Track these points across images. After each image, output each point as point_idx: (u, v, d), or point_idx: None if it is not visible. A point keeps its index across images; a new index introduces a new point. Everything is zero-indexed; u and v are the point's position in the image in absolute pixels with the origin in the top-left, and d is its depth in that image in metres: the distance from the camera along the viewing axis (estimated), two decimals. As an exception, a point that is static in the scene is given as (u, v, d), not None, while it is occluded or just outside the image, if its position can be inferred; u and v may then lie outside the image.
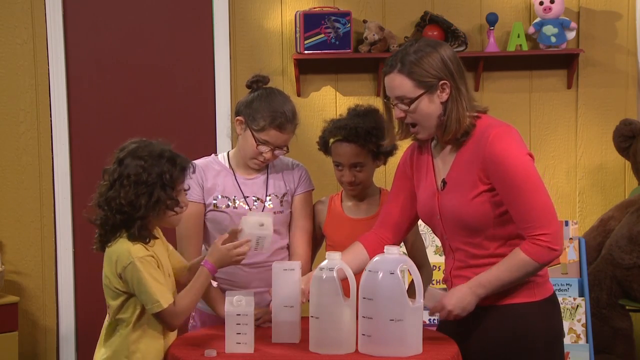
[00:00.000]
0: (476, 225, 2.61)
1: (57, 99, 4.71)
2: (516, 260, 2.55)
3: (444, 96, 2.60)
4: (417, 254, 3.11)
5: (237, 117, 3.07)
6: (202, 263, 2.70)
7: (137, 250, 2.59)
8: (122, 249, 2.60)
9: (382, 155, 3.06)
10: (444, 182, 2.69)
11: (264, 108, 3.01)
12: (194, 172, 2.78)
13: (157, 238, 2.70)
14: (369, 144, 2.99)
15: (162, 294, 2.60)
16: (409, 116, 2.63)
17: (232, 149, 3.21)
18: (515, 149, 2.56)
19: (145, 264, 2.58)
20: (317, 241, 3.23)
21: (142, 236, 2.62)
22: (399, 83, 2.60)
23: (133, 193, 2.57)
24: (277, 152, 3.04)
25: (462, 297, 2.59)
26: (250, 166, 3.10)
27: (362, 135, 2.98)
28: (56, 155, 4.73)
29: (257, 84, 3.11)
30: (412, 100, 2.60)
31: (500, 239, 2.62)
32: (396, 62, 2.61)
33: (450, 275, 2.75)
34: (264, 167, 3.14)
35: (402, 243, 2.99)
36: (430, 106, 2.61)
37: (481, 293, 2.58)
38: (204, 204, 3.08)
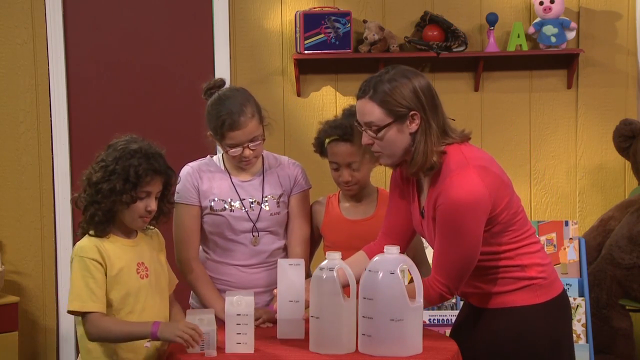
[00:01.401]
0: None
1: (57, 99, 4.70)
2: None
3: (414, 127, 2.59)
4: (416, 253, 3.11)
5: (208, 132, 3.05)
6: (153, 322, 2.62)
7: (83, 248, 2.68)
8: (78, 244, 2.71)
9: None
10: (423, 210, 2.71)
11: (213, 117, 2.99)
12: (176, 182, 2.84)
13: (107, 234, 2.72)
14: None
15: (85, 297, 2.62)
16: (375, 143, 2.63)
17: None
18: (462, 199, 2.52)
19: (82, 264, 2.65)
20: (314, 241, 3.23)
21: (94, 222, 2.69)
22: (370, 110, 2.60)
23: (99, 177, 2.68)
24: (251, 145, 2.99)
25: None
26: (243, 168, 3.09)
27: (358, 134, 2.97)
28: (56, 155, 4.73)
29: (210, 91, 3.07)
30: (380, 128, 2.59)
31: (488, 254, 2.62)
32: (369, 88, 2.60)
33: None
34: (260, 168, 3.13)
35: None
36: (398, 136, 2.60)
37: None
38: (200, 206, 3.07)
